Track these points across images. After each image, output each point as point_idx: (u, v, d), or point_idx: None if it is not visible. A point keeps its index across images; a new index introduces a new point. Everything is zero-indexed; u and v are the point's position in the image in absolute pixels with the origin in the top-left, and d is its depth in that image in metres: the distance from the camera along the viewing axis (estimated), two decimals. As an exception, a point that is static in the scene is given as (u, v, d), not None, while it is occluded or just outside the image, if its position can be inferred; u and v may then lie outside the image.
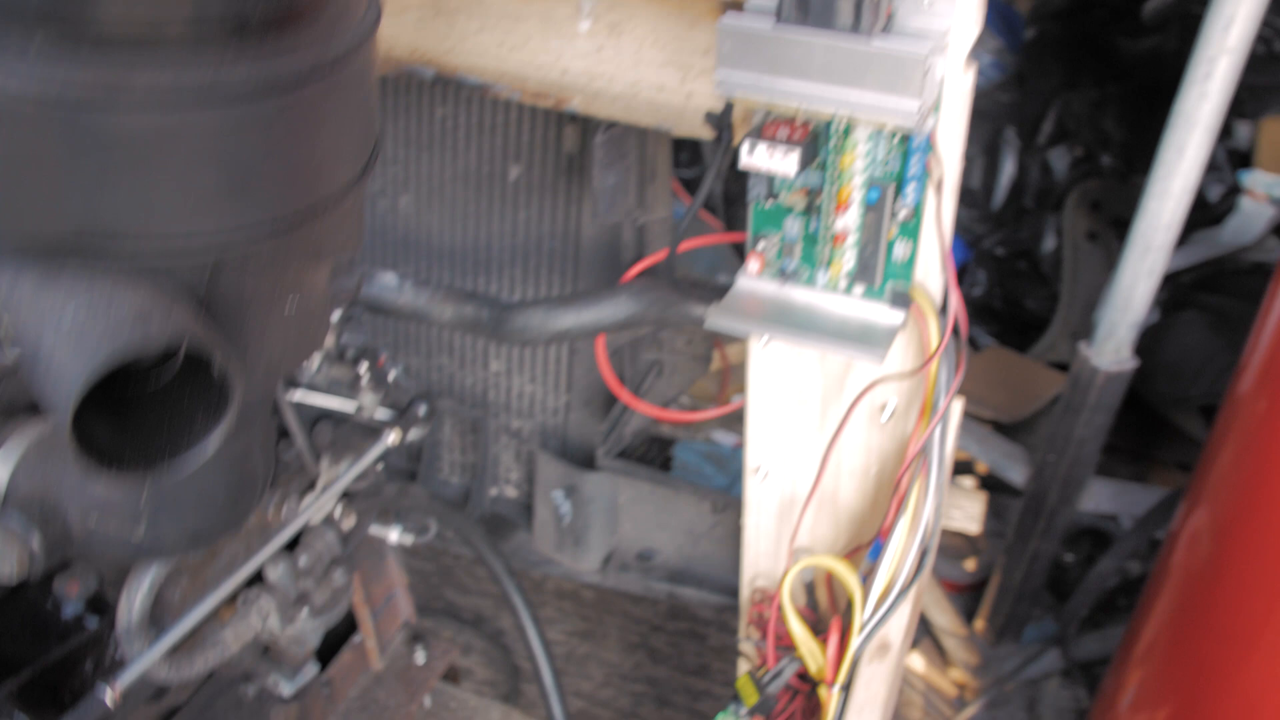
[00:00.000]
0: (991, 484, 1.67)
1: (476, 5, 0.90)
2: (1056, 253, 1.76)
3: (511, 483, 1.25)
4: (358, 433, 0.89)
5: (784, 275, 0.84)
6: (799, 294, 0.84)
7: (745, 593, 1.05)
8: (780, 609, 0.94)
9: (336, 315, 0.92)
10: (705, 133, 0.87)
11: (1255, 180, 1.94)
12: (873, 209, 0.78)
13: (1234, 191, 1.68)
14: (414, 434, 0.89)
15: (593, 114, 0.90)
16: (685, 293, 0.94)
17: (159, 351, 0.46)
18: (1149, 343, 1.34)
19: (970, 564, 1.65)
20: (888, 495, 0.95)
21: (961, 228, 1.88)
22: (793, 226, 0.82)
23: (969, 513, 1.68)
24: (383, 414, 0.90)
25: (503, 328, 0.98)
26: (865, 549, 0.96)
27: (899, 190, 0.77)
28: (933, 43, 0.70)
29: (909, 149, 0.76)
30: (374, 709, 1.12)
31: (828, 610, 1.01)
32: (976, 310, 1.87)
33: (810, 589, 1.01)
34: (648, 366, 1.12)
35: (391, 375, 0.91)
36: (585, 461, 1.16)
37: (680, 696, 1.55)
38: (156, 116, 0.44)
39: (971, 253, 1.89)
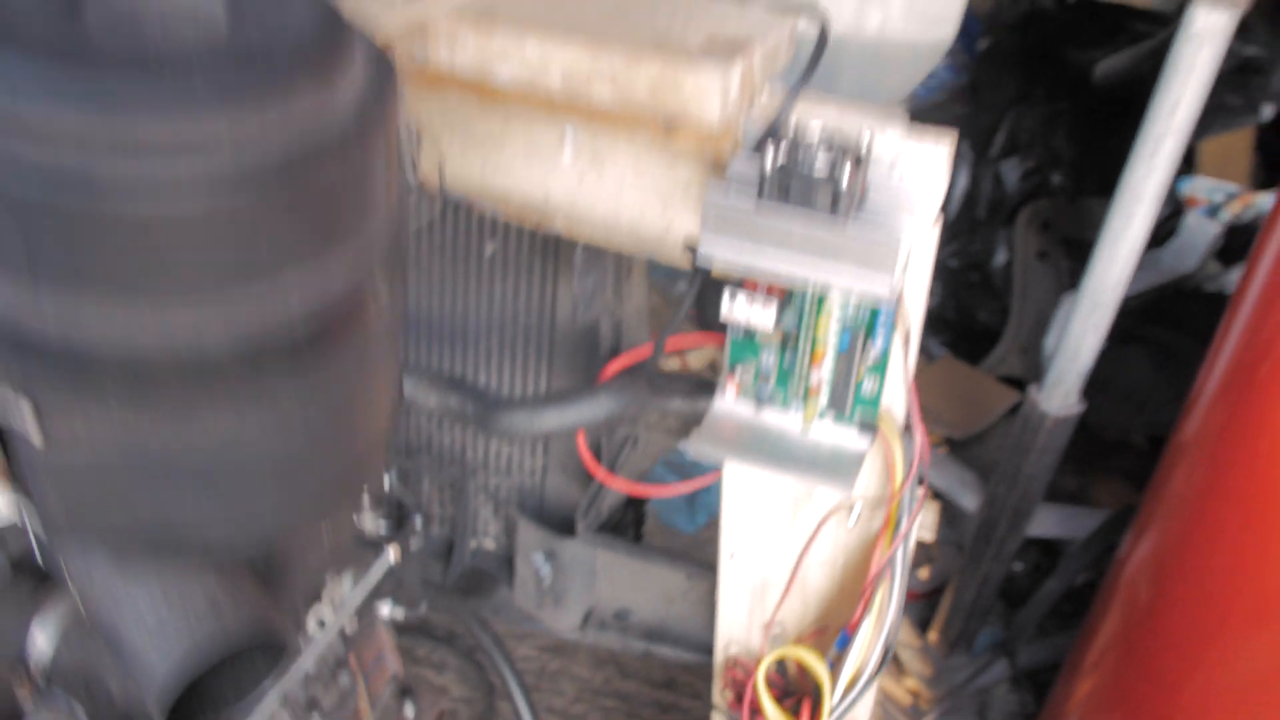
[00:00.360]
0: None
1: (461, 127, 0.95)
2: (1007, 267, 1.85)
3: (490, 535, 1.33)
4: (357, 544, 0.96)
5: (759, 400, 0.92)
6: (773, 417, 0.92)
7: (719, 658, 1.14)
8: (755, 689, 1.03)
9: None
10: (685, 260, 0.93)
11: (1196, 186, 2.03)
12: (844, 354, 0.86)
13: (1177, 213, 1.77)
14: (413, 545, 0.96)
15: (575, 237, 0.96)
16: (662, 390, 1.01)
17: (235, 649, 0.52)
18: (1095, 375, 1.44)
19: (924, 573, 1.76)
20: (853, 580, 1.04)
21: (916, 237, 1.96)
22: (768, 358, 0.89)
23: (923, 522, 1.78)
24: (381, 525, 0.96)
25: (488, 424, 1.05)
26: (832, 631, 1.05)
27: (869, 335, 0.85)
28: (905, 221, 0.76)
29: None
30: (366, 762, 1.20)
31: (796, 677, 1.10)
32: (930, 321, 1.96)
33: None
34: (622, 441, 1.20)
35: (387, 484, 0.98)
36: (564, 524, 1.23)
37: (649, 710, 1.65)
38: (224, 445, 0.50)
39: (925, 260, 1.97)
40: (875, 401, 0.88)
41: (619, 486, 1.16)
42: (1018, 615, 1.63)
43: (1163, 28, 1.82)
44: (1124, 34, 1.82)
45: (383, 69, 0.51)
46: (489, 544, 1.33)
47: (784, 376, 0.89)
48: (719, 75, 0.76)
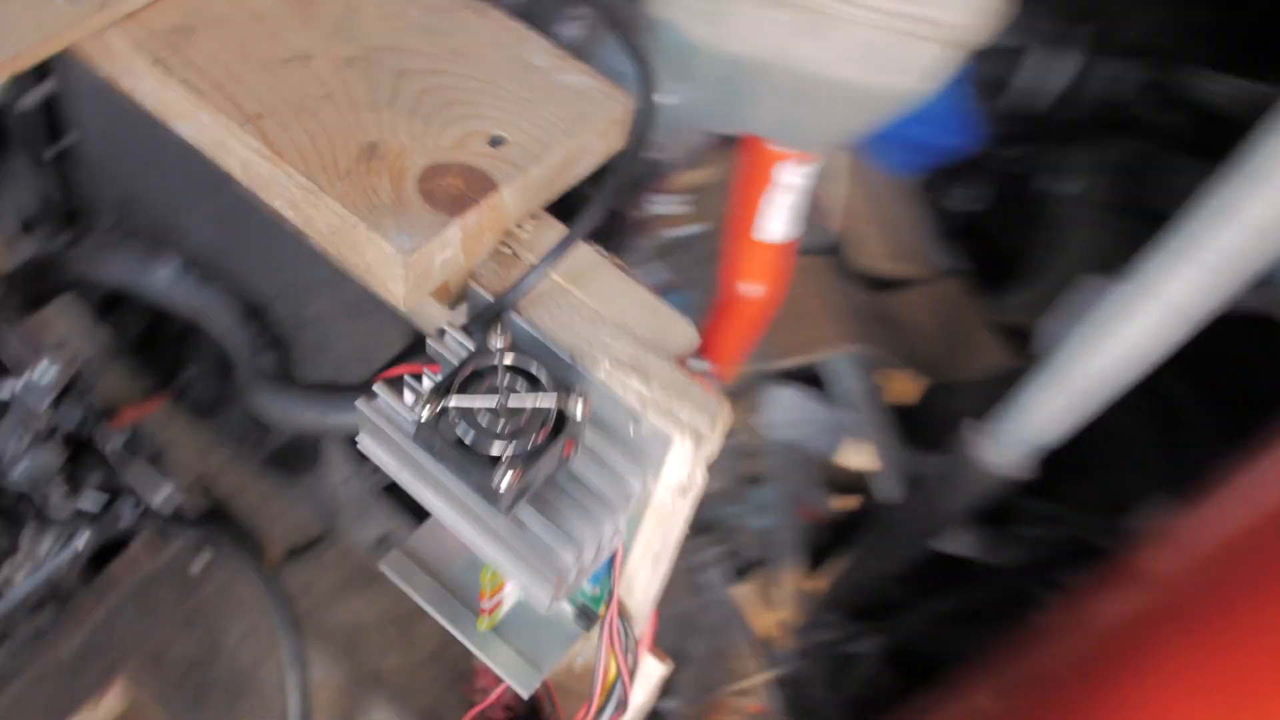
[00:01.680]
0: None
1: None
2: (1060, 202, 1.53)
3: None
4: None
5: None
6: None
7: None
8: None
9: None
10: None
11: None
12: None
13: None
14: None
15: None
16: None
17: None
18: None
19: (842, 502, 1.61)
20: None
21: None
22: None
23: (859, 449, 1.62)
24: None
25: (248, 395, 0.91)
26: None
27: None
28: (605, 526, 0.59)
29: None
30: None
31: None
32: (958, 225, 1.66)
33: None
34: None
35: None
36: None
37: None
38: None
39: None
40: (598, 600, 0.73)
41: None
42: (904, 619, 1.49)
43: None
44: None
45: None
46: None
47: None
48: (400, 259, 0.56)
